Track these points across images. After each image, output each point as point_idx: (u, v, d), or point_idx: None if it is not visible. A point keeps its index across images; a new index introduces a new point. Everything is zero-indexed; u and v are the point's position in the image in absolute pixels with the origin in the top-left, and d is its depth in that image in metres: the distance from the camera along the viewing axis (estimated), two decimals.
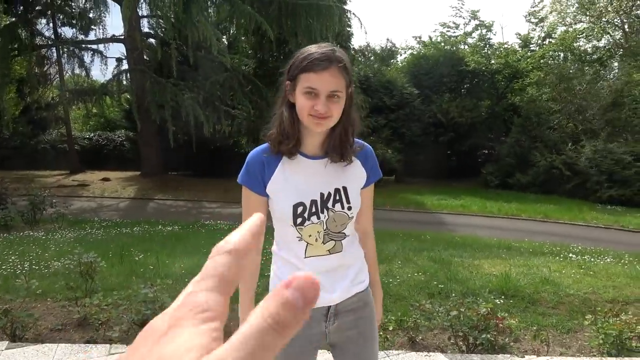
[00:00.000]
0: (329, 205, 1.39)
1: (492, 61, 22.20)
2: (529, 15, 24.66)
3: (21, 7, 16.62)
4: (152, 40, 17.26)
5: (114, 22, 66.31)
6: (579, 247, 7.72)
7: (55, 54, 17.91)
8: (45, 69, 19.15)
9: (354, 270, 1.47)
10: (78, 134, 22.43)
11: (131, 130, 19.37)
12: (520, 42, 23.69)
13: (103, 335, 3.15)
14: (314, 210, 1.38)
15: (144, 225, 9.03)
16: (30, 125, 20.09)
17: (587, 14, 22.28)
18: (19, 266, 5.16)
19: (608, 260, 6.54)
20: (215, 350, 0.24)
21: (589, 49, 22.50)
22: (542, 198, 14.76)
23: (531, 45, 23.40)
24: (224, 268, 0.28)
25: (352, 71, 1.40)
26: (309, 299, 0.25)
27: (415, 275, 5.09)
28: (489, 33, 24.03)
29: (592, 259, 6.50)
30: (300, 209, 1.37)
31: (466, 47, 24.26)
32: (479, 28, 24.22)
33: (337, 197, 1.40)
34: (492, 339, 3.07)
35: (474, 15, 24.40)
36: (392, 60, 28.94)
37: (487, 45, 23.78)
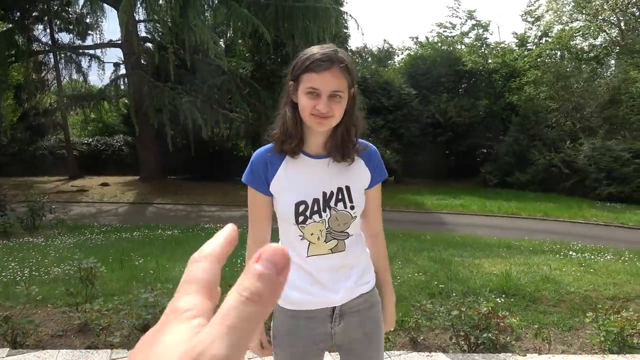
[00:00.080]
0: (331, 204, 1.39)
1: (489, 61, 22.24)
2: (525, 14, 24.74)
3: (18, 14, 16.62)
4: (149, 45, 17.26)
5: (110, 27, 66.45)
6: (579, 245, 7.72)
7: (52, 60, 17.92)
8: (42, 74, 19.14)
9: (358, 270, 1.47)
10: (76, 139, 22.40)
11: (129, 135, 19.36)
12: (517, 41, 23.76)
13: (104, 341, 3.14)
14: (315, 208, 1.38)
15: (144, 229, 9.02)
16: (28, 131, 20.08)
17: (583, 12, 22.33)
18: (18, 273, 5.14)
19: (608, 257, 6.54)
20: (200, 334, 0.25)
21: (585, 47, 22.55)
22: (541, 196, 14.77)
23: (528, 44, 23.46)
24: (199, 272, 0.29)
25: (355, 72, 1.41)
26: (280, 265, 0.26)
27: (415, 275, 5.09)
28: (485, 33, 24.13)
29: (592, 257, 6.50)
30: (302, 207, 1.38)
31: (463, 47, 24.31)
32: (476, 28, 24.29)
33: (340, 196, 1.40)
34: (494, 338, 3.07)
35: (470, 15, 24.47)
36: (389, 61, 28.97)
37: (484, 45, 23.82)
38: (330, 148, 1.41)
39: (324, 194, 1.39)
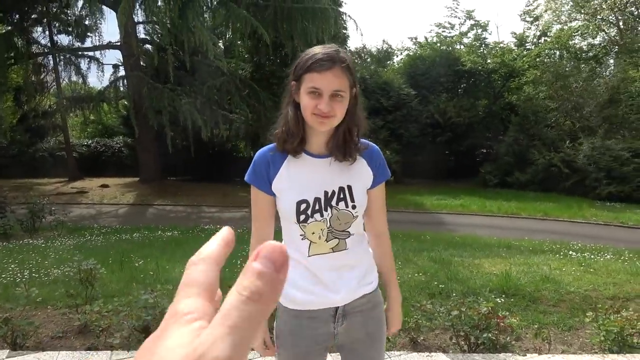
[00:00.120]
0: (333, 203, 1.40)
1: (488, 60, 22.24)
2: (524, 14, 24.77)
3: (17, 16, 16.63)
4: (148, 46, 17.26)
5: (110, 28, 66.50)
6: (579, 245, 7.72)
7: (51, 62, 17.91)
8: (42, 76, 19.13)
9: (360, 270, 1.47)
10: (76, 141, 22.41)
11: (129, 137, 19.35)
12: (516, 41, 23.78)
13: (104, 342, 3.14)
14: (317, 207, 1.39)
15: (144, 231, 9.02)
16: (28, 133, 20.07)
17: (582, 11, 22.37)
18: (18, 274, 5.14)
19: (608, 257, 6.54)
20: (200, 335, 0.24)
21: (584, 47, 22.59)
22: (541, 196, 14.77)
23: (527, 44, 23.48)
24: (198, 275, 0.29)
25: (356, 72, 1.42)
26: (279, 263, 0.26)
27: (415, 275, 5.09)
28: (484, 33, 24.15)
29: (592, 256, 6.51)
30: (303, 206, 1.38)
31: (462, 47, 24.31)
32: (475, 28, 24.30)
33: (342, 196, 1.41)
34: (494, 338, 3.07)
35: (469, 15, 24.48)
36: (388, 62, 28.96)
37: (483, 45, 23.84)
38: (332, 147, 1.41)
39: (326, 193, 1.40)
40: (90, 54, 17.78)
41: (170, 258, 6.10)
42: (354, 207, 1.41)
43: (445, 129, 19.97)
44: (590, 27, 22.04)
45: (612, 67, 20.49)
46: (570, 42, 21.72)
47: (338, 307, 1.44)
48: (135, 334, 3.10)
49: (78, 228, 9.41)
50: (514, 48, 23.15)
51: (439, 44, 24.65)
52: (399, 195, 14.63)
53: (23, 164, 18.97)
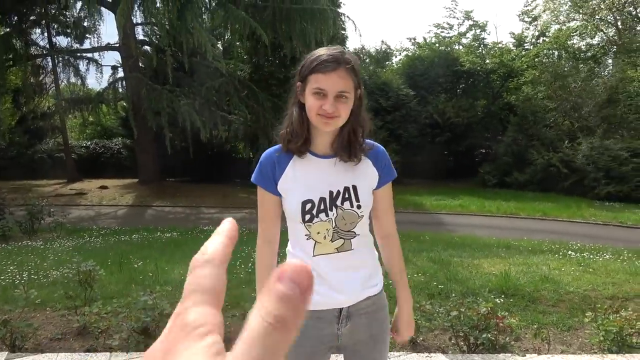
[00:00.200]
0: (338, 203, 1.41)
1: (487, 61, 22.26)
2: (523, 14, 24.80)
3: (15, 17, 16.62)
4: (147, 48, 17.26)
5: (108, 30, 66.52)
6: (578, 245, 7.72)
7: (50, 64, 17.88)
8: (40, 78, 19.11)
9: (365, 272, 1.48)
10: (75, 142, 22.38)
11: (128, 138, 19.34)
12: (515, 41, 23.79)
13: (103, 344, 3.14)
14: (322, 207, 1.40)
15: (143, 232, 9.01)
16: (26, 135, 20.04)
17: (580, 11, 22.41)
18: (17, 276, 5.13)
19: (607, 256, 6.54)
20: None
21: (582, 47, 22.62)
22: (540, 196, 14.77)
23: (525, 44, 23.49)
24: (206, 279, 0.27)
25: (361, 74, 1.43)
26: (305, 286, 0.24)
27: (415, 276, 5.09)
28: (483, 33, 24.16)
29: (591, 256, 6.51)
30: (308, 206, 1.39)
31: (461, 47, 24.32)
32: (473, 28, 24.31)
33: (347, 195, 1.42)
34: (493, 338, 3.07)
35: (467, 15, 24.49)
36: (387, 62, 28.97)
37: (482, 45, 23.87)
38: (337, 148, 1.43)
39: (331, 193, 1.41)
40: (89, 55, 17.78)
41: (169, 259, 6.09)
42: (359, 206, 1.42)
43: (444, 129, 19.97)
44: (589, 27, 22.07)
45: (611, 67, 20.53)
46: (568, 42, 21.74)
47: (342, 308, 1.44)
48: (135, 335, 3.09)
49: (77, 229, 9.39)
50: (513, 48, 23.17)
51: (437, 45, 24.65)
52: (398, 195, 14.56)
53: (22, 166, 18.93)
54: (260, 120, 14.94)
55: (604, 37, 22.41)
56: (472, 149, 21.16)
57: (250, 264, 5.24)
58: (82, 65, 17.92)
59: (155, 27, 16.10)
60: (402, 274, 1.56)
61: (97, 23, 16.43)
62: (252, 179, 1.46)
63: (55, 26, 17.59)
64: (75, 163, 18.78)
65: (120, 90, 16.72)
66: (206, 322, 0.25)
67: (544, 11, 23.87)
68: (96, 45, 17.49)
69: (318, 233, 1.40)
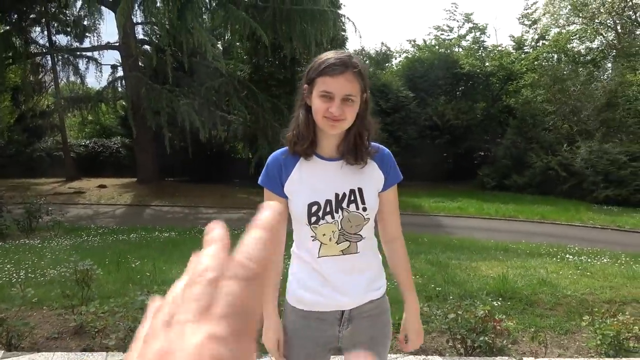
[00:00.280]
0: (344, 205, 1.42)
1: (487, 63, 22.28)
2: (522, 17, 24.80)
3: (15, 16, 16.61)
4: (147, 47, 17.25)
5: (108, 29, 66.40)
6: (576, 248, 7.73)
7: (50, 62, 17.87)
8: (40, 76, 19.11)
9: (369, 275, 1.48)
10: (74, 141, 22.37)
11: (127, 137, 19.32)
12: (514, 44, 23.82)
13: (100, 343, 3.13)
14: (328, 209, 1.41)
15: (141, 231, 9.00)
16: (25, 133, 20.03)
17: (580, 15, 22.43)
18: (14, 275, 5.12)
19: (605, 260, 6.55)
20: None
21: (582, 50, 22.65)
22: (538, 199, 14.79)
23: (525, 47, 23.51)
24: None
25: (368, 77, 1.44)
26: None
27: (412, 278, 5.08)
28: (482, 36, 24.18)
29: (589, 260, 6.52)
30: (314, 208, 1.40)
31: (460, 49, 24.35)
32: (473, 31, 24.34)
33: (352, 198, 1.42)
34: (490, 341, 3.07)
35: (467, 18, 24.51)
36: (387, 64, 29.01)
37: (481, 48, 23.88)
38: (343, 151, 1.44)
39: (337, 195, 1.41)
40: (89, 54, 17.77)
41: (167, 259, 6.09)
42: (364, 209, 1.43)
43: (444, 132, 19.99)
44: (588, 31, 22.10)
45: (610, 71, 20.55)
46: (568, 46, 21.77)
47: (345, 310, 1.45)
48: (131, 335, 3.08)
49: (75, 228, 9.38)
50: (512, 51, 23.18)
51: (437, 47, 24.67)
52: (397, 197, 14.63)
53: (20, 164, 18.91)
54: (259, 120, 14.93)
55: (604, 41, 22.45)
56: (471, 152, 21.18)
57: None
58: (82, 64, 17.93)
59: (155, 27, 16.11)
60: (409, 278, 1.57)
61: (97, 22, 16.39)
62: (259, 181, 1.48)
63: (55, 24, 17.57)
64: (74, 162, 18.76)
65: (120, 89, 16.72)
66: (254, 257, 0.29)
67: (544, 14, 23.90)
68: (96, 44, 17.46)
69: (324, 235, 1.41)
